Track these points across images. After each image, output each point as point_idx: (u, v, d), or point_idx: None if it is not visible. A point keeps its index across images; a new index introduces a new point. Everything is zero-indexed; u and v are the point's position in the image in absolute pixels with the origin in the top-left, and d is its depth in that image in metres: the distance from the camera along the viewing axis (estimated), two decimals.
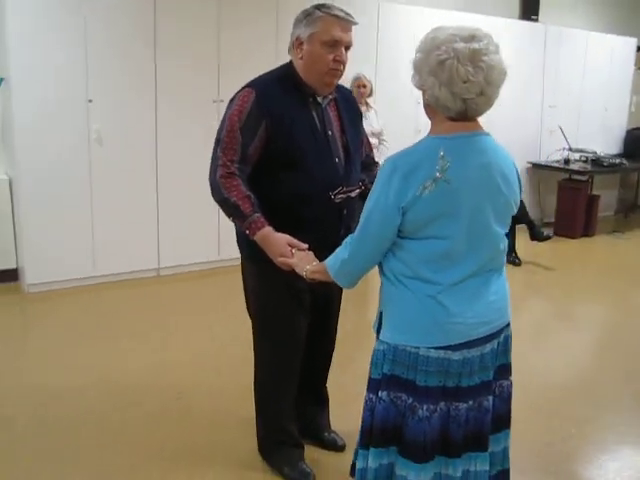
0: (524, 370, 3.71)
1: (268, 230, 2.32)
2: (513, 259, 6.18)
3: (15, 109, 4.68)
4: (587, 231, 7.66)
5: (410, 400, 1.91)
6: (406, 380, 1.91)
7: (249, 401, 2.83)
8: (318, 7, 2.39)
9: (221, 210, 2.45)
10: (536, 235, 6.24)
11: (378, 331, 2.01)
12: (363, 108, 5.74)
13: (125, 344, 4.09)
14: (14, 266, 5.12)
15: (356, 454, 2.09)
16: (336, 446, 2.94)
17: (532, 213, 7.14)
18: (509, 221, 1.97)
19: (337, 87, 2.57)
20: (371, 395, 1.99)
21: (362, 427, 2.02)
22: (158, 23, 5.06)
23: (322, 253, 2.16)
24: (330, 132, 2.51)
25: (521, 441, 2.76)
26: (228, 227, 5.60)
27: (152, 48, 5.08)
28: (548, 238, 6.28)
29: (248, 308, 2.75)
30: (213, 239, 5.63)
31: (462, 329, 1.87)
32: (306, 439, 2.89)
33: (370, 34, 6.19)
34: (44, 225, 4.88)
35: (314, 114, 2.48)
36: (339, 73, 2.45)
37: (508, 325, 2.03)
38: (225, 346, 4.08)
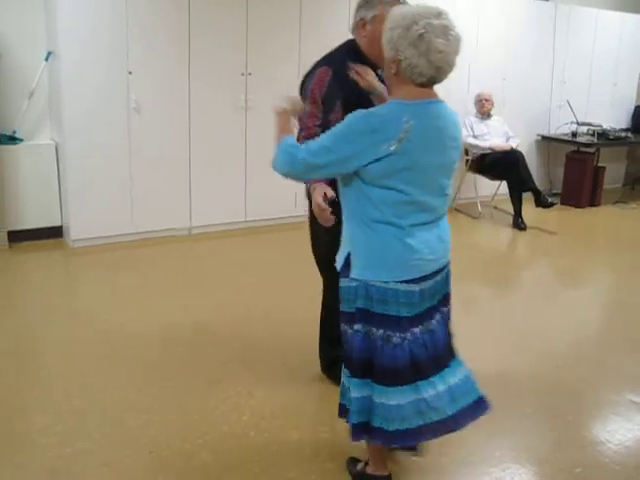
0: (530, 327, 4.14)
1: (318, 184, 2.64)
2: (519, 223, 6.58)
3: (63, 80, 5.13)
4: (593, 201, 8.00)
5: (381, 331, 2.20)
6: (376, 313, 2.20)
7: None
8: None
9: None
10: (541, 202, 6.63)
11: (342, 270, 2.30)
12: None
13: (169, 292, 4.61)
14: (59, 223, 5.62)
15: (343, 395, 2.41)
16: None
17: (540, 183, 7.55)
18: (453, 174, 2.30)
19: None
20: (346, 327, 2.29)
21: (345, 357, 2.34)
22: (192, 0, 5.50)
23: None
24: None
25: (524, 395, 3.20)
26: (253, 192, 6.11)
27: (187, 24, 5.50)
28: (552, 205, 6.66)
29: (313, 249, 3.17)
30: (240, 202, 6.11)
31: (421, 264, 2.20)
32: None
33: None
34: (87, 186, 5.36)
35: None
36: None
37: (449, 262, 2.37)
38: (261, 292, 4.57)
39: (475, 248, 6.05)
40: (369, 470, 2.52)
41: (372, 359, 2.22)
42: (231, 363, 3.55)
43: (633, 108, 9.26)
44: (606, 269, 5.76)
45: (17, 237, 5.43)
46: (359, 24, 2.84)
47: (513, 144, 6.84)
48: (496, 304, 4.70)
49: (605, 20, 8.54)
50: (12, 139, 5.38)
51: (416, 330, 2.23)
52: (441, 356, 2.31)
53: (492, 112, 7.05)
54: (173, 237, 5.80)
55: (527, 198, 6.73)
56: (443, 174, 2.23)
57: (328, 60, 2.88)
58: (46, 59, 5.37)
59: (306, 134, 2.75)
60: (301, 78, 3.00)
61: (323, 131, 2.59)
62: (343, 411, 2.42)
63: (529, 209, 6.76)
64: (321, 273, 3.21)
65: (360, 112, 2.14)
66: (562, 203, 7.82)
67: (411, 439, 2.30)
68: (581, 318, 4.50)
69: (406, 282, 2.18)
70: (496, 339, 3.95)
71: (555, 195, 7.87)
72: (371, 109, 2.17)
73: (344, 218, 2.31)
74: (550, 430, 3.05)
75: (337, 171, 2.20)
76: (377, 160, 2.09)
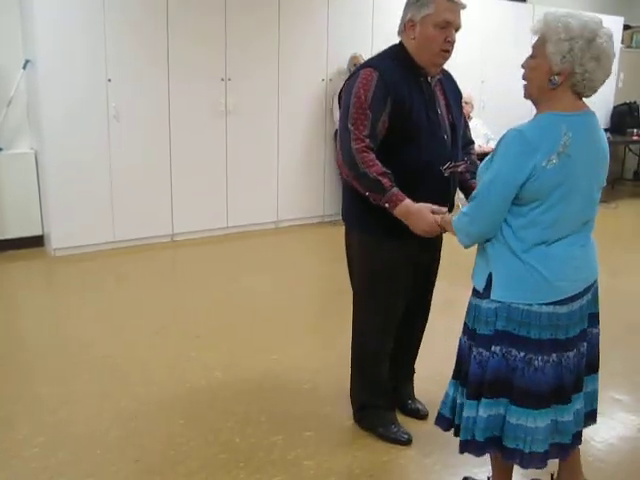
0: None
1: (408, 202, 2.43)
2: None
3: (41, 89, 5.11)
4: None
5: (522, 354, 2.08)
6: (518, 335, 2.08)
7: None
8: None
9: (355, 183, 2.51)
10: None
11: (483, 291, 2.16)
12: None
13: (154, 299, 4.59)
14: (40, 233, 5.58)
15: (460, 411, 2.24)
16: (418, 414, 3.07)
17: None
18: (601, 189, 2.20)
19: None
20: (481, 350, 2.14)
21: (471, 380, 2.18)
22: (170, 7, 5.49)
23: None
24: (439, 111, 2.63)
25: None
26: (235, 197, 6.09)
27: (165, 31, 5.51)
28: None
29: (351, 279, 2.89)
30: (222, 208, 6.11)
31: (566, 286, 2.09)
32: None
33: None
34: (67, 195, 5.34)
35: (425, 94, 2.60)
36: (448, 54, 2.56)
37: (596, 281, 2.26)
38: (246, 297, 4.56)
39: (460, 249, 6.05)
40: None
41: (511, 381, 2.12)
42: (216, 370, 3.54)
43: (611, 108, 9.36)
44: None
45: None
46: (407, 25, 2.55)
47: (493, 146, 6.89)
48: None
49: None
50: None
51: (570, 354, 2.15)
52: (581, 379, 2.24)
53: (472, 115, 7.08)
54: (155, 244, 5.78)
55: None
56: (597, 188, 2.14)
57: (372, 63, 2.59)
58: (24, 67, 5.34)
59: (358, 146, 2.46)
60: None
61: (373, 143, 2.48)
62: (450, 426, 2.34)
63: None
64: (357, 309, 2.88)
65: (514, 130, 2.01)
66: None
67: (541, 461, 2.17)
68: None
69: (551, 304, 2.07)
70: None
71: None
72: (525, 125, 2.02)
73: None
74: None
75: (504, 202, 2.04)
76: (537, 177, 1.96)
